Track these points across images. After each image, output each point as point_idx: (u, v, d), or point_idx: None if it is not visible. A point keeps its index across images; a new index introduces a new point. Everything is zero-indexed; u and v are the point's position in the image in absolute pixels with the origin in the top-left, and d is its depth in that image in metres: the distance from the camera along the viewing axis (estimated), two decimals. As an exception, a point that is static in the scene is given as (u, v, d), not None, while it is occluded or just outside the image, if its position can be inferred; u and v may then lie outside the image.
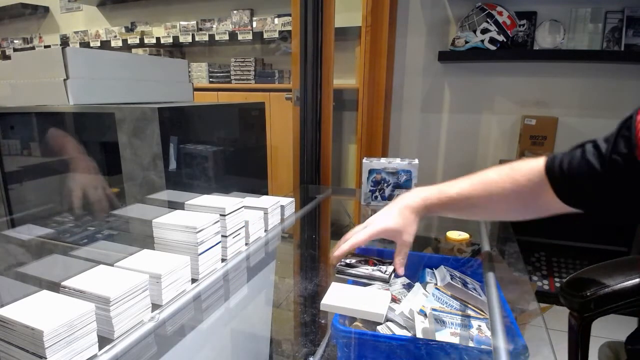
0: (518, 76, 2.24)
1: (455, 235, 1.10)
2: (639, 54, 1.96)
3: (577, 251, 2.12)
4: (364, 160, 1.37)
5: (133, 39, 3.28)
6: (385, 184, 1.36)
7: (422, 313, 0.75)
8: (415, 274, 0.99)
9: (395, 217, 0.79)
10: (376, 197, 1.38)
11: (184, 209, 0.87)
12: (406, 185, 1.36)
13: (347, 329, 0.67)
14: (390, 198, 1.37)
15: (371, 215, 0.85)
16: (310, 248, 1.19)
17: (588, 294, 0.85)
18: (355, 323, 0.78)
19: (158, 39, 3.18)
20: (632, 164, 0.54)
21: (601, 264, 0.93)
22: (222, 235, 0.84)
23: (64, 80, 1.08)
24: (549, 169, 0.66)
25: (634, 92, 2.05)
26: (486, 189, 0.73)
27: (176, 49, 3.32)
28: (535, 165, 0.68)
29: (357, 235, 0.79)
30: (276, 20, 2.83)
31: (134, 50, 3.36)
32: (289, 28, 2.70)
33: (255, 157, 1.53)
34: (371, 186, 1.37)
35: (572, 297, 0.88)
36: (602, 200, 0.61)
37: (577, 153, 0.66)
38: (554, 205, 0.65)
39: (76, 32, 3.63)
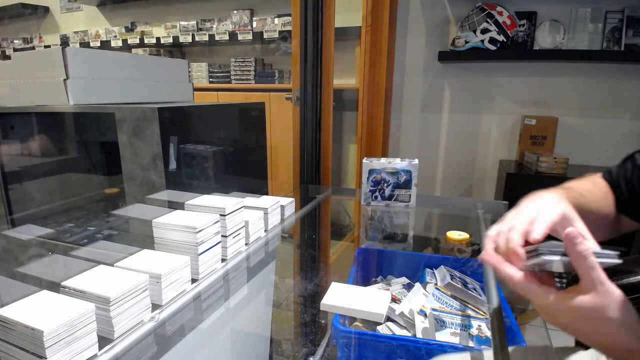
0: (518, 76, 2.24)
1: (455, 235, 1.10)
2: (639, 54, 1.96)
3: (577, 251, 2.12)
4: (364, 160, 1.37)
5: (133, 39, 3.28)
6: (385, 184, 1.36)
7: (422, 313, 0.75)
8: (415, 274, 1.00)
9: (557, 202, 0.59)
10: (376, 197, 1.38)
11: (184, 209, 0.87)
12: (406, 185, 1.36)
13: (347, 329, 0.67)
14: (390, 198, 1.37)
15: (371, 215, 0.85)
16: (310, 248, 1.19)
17: None
18: (355, 323, 0.78)
19: (158, 39, 3.18)
20: None
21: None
22: (222, 235, 0.84)
23: (64, 80, 1.08)
24: (610, 183, 0.63)
25: (634, 92, 2.05)
26: (593, 195, 0.64)
27: (176, 49, 3.32)
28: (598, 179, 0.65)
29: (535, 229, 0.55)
30: (276, 20, 2.83)
31: (134, 50, 3.36)
32: (289, 28, 2.70)
33: (255, 157, 1.53)
34: (371, 186, 1.37)
35: None
36: None
37: (629, 165, 0.62)
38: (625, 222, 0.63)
39: (76, 32, 3.63)
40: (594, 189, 0.65)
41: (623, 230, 0.65)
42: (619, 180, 0.63)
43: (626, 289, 0.72)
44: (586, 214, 0.60)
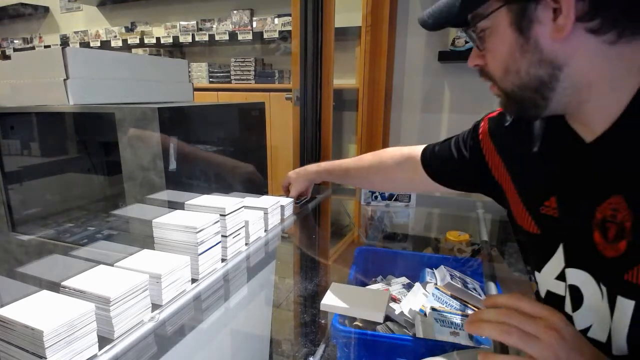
0: (518, 76, 2.24)
1: (455, 235, 1.10)
2: (639, 54, 1.96)
3: (577, 251, 2.12)
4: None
5: (133, 39, 3.28)
6: (385, 184, 1.36)
7: (422, 313, 0.75)
8: (415, 274, 1.00)
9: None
10: (376, 197, 1.38)
11: (184, 209, 0.87)
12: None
13: (347, 329, 0.67)
14: (390, 198, 1.37)
15: (371, 215, 0.88)
16: (310, 248, 1.19)
17: None
18: (355, 323, 0.78)
19: (158, 39, 3.18)
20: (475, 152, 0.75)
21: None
22: (222, 235, 0.84)
23: (64, 80, 1.08)
24: (424, 151, 0.89)
25: (634, 92, 2.05)
26: (360, 162, 1.03)
27: (176, 49, 3.32)
28: (403, 149, 0.94)
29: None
30: (276, 20, 2.84)
31: (134, 50, 3.36)
32: (289, 28, 2.70)
33: (255, 157, 1.53)
34: (371, 186, 1.37)
35: None
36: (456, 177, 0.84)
37: (446, 143, 0.84)
38: (421, 180, 0.88)
39: (76, 32, 3.63)
40: (370, 159, 1.02)
41: (419, 188, 0.96)
42: (433, 150, 0.87)
43: None
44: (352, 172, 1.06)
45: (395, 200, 1.37)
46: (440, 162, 0.84)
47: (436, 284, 0.90)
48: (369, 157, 1.01)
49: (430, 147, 0.87)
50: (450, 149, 0.80)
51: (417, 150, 0.90)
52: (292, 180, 1.18)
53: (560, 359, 0.42)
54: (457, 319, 0.75)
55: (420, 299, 0.83)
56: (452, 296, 0.86)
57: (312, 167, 1.16)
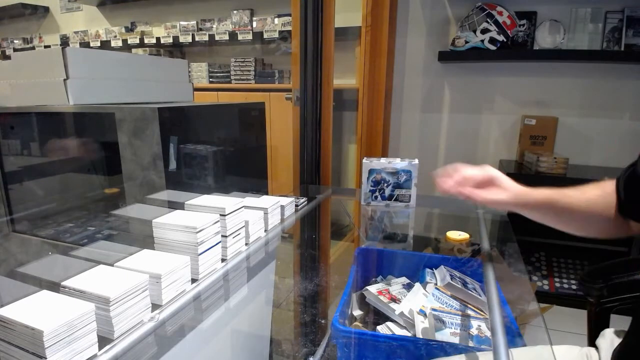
0: (518, 76, 2.24)
1: (455, 235, 1.10)
2: (639, 54, 1.96)
3: (577, 251, 2.13)
4: (364, 160, 1.37)
5: (133, 39, 3.28)
6: (385, 184, 1.36)
7: (422, 313, 0.75)
8: (415, 274, 0.99)
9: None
10: (376, 197, 1.38)
11: (184, 209, 0.87)
12: (406, 186, 1.36)
13: (347, 329, 0.67)
14: (390, 198, 1.37)
15: (371, 215, 0.86)
16: (310, 248, 1.19)
17: (602, 281, 0.94)
18: (355, 323, 0.78)
19: (158, 39, 3.18)
20: None
21: (621, 259, 1.01)
22: (222, 235, 0.84)
23: (64, 80, 1.08)
24: (617, 182, 0.68)
25: (634, 92, 2.05)
26: (585, 194, 0.73)
27: (176, 49, 3.32)
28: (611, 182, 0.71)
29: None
30: (276, 20, 2.83)
31: (134, 50, 3.35)
32: (289, 28, 2.70)
33: (255, 157, 1.53)
34: (371, 186, 1.37)
35: (589, 284, 0.96)
36: None
37: (629, 170, 0.66)
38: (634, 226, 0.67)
39: (76, 32, 3.63)
40: (595, 191, 0.72)
41: (634, 231, 0.69)
42: (619, 184, 0.67)
43: (618, 287, 0.79)
44: (565, 208, 0.73)
45: (396, 200, 1.37)
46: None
47: (436, 284, 0.90)
48: (589, 186, 0.74)
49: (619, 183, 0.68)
50: None
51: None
52: (504, 181, 0.81)
53: None
54: (457, 319, 0.75)
55: (420, 299, 0.83)
56: (452, 296, 0.86)
57: (522, 196, 0.78)
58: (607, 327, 0.94)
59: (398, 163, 1.34)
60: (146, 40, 3.23)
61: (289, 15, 2.61)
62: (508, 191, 0.79)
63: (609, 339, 0.79)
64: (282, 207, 1.13)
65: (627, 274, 0.93)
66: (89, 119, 1.29)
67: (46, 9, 3.84)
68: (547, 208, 0.76)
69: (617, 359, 0.68)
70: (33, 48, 3.89)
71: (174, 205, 0.92)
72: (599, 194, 0.71)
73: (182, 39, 3.09)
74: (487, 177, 0.85)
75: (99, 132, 1.29)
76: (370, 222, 1.39)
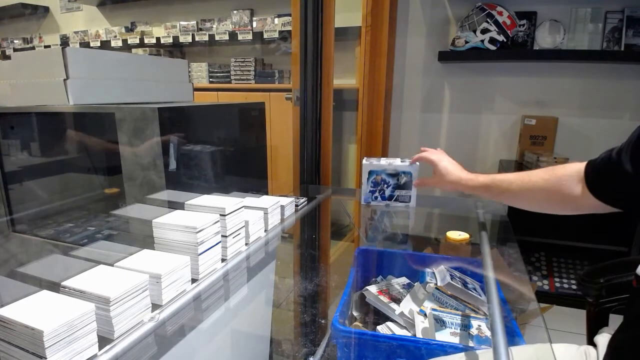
0: (518, 76, 2.24)
1: (455, 235, 1.10)
2: (639, 54, 1.96)
3: (577, 251, 2.13)
4: (364, 162, 1.36)
5: (133, 39, 3.28)
6: (386, 185, 1.36)
7: (422, 313, 0.75)
8: (415, 274, 1.00)
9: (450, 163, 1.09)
10: (376, 198, 1.38)
11: (184, 209, 0.87)
12: (406, 186, 1.35)
13: (347, 329, 0.67)
14: (390, 198, 1.37)
15: (371, 215, 0.87)
16: (310, 248, 1.19)
17: (602, 281, 0.95)
18: (355, 323, 0.78)
19: (158, 39, 3.18)
20: None
21: (620, 259, 1.02)
22: (222, 235, 0.84)
23: (64, 80, 1.08)
24: (587, 164, 0.74)
25: (634, 92, 2.05)
26: (527, 176, 0.83)
27: (176, 49, 3.32)
28: (575, 164, 0.77)
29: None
30: (276, 20, 2.83)
31: (134, 50, 3.35)
32: (289, 28, 2.70)
33: (255, 157, 1.53)
34: (371, 187, 1.36)
35: (588, 284, 0.97)
36: (631, 198, 0.67)
37: (613, 152, 0.72)
38: (588, 202, 0.72)
39: (76, 32, 3.63)
40: (540, 170, 0.83)
41: (582, 209, 0.75)
42: (596, 162, 0.73)
43: (617, 287, 0.81)
44: (505, 191, 0.87)
45: (396, 200, 1.36)
46: (609, 179, 0.70)
47: (436, 284, 0.90)
48: (536, 171, 0.84)
49: (592, 163, 0.74)
50: (620, 163, 0.69)
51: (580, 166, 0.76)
52: (440, 168, 1.09)
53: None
54: (457, 319, 0.75)
55: (420, 299, 0.83)
56: (452, 296, 0.86)
57: (467, 175, 1.03)
58: (606, 326, 0.95)
59: (398, 164, 1.33)
60: (146, 40, 3.23)
61: (289, 15, 2.61)
62: (442, 179, 1.06)
63: (607, 338, 0.79)
64: (282, 207, 1.13)
65: (626, 274, 0.94)
66: (89, 119, 1.29)
67: (46, 9, 3.84)
68: (491, 189, 0.91)
69: (612, 352, 0.69)
70: (33, 48, 3.89)
71: (174, 205, 0.92)
72: (547, 177, 0.79)
73: (182, 39, 3.09)
74: (429, 161, 1.13)
75: (99, 132, 1.29)
76: (370, 222, 1.39)
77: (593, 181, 0.71)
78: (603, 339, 0.79)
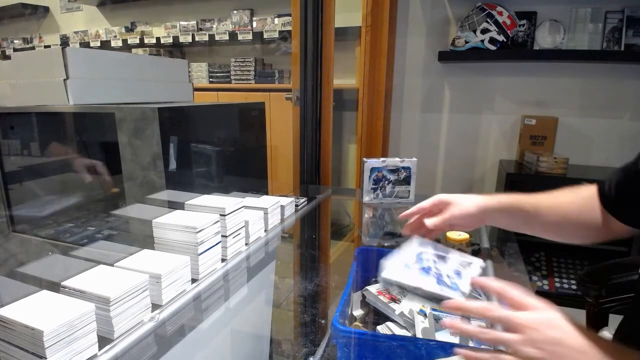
0: (518, 76, 2.24)
1: (455, 235, 1.10)
2: (639, 54, 1.95)
3: (577, 251, 2.13)
4: (364, 159, 1.38)
5: (133, 39, 3.28)
6: (386, 181, 1.38)
7: (422, 313, 0.75)
8: (415, 274, 0.99)
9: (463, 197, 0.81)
10: (377, 195, 1.39)
11: (184, 209, 0.87)
12: (406, 182, 1.37)
13: (347, 329, 0.67)
14: (390, 195, 1.38)
15: (372, 214, 0.85)
16: (310, 248, 1.19)
17: (601, 282, 0.95)
18: (355, 323, 0.78)
19: (158, 39, 3.18)
20: None
21: (619, 260, 1.02)
22: (222, 235, 0.84)
23: (64, 80, 1.08)
24: (600, 188, 0.67)
25: (634, 92, 2.05)
26: (555, 199, 0.72)
27: (176, 49, 3.32)
28: (591, 187, 0.70)
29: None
30: (276, 20, 2.83)
31: (134, 50, 3.35)
32: (289, 28, 2.70)
33: (255, 157, 1.53)
34: (372, 184, 1.38)
35: (588, 285, 0.98)
36: None
37: (624, 170, 0.64)
38: (615, 228, 0.65)
39: (76, 32, 3.63)
40: (568, 196, 0.71)
41: (613, 235, 0.67)
42: (611, 182, 0.65)
43: (617, 288, 0.79)
44: (531, 212, 0.72)
45: (395, 197, 1.38)
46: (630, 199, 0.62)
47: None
48: (563, 193, 0.73)
49: (606, 192, 0.66)
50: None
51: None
52: (455, 213, 0.79)
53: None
54: (457, 319, 0.75)
55: (420, 299, 0.83)
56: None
57: (483, 201, 0.79)
58: (606, 326, 0.95)
59: (397, 163, 1.36)
60: (146, 40, 3.23)
61: (289, 15, 2.61)
62: (464, 205, 0.78)
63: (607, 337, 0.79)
64: (282, 207, 1.13)
65: (625, 274, 0.94)
66: (89, 119, 1.29)
67: (46, 9, 3.84)
68: (514, 213, 0.75)
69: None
70: (33, 48, 3.89)
71: (174, 205, 0.92)
72: (572, 199, 0.70)
73: (182, 39, 3.09)
74: (436, 202, 0.84)
75: (99, 132, 1.29)
76: (370, 221, 1.39)
77: (617, 207, 0.64)
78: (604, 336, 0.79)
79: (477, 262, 0.74)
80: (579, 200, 0.69)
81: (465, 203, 0.78)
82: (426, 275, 0.65)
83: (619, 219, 0.64)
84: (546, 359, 0.44)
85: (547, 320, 0.47)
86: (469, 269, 0.71)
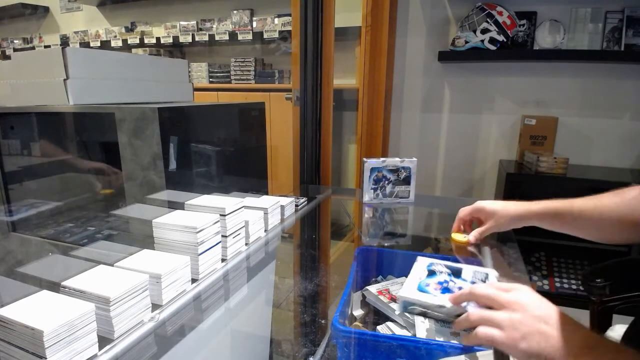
0: (518, 76, 2.24)
1: (460, 237, 1.10)
2: (639, 54, 1.95)
3: (577, 251, 2.12)
4: (364, 159, 1.38)
5: (133, 39, 3.28)
6: (386, 181, 1.38)
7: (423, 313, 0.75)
8: (415, 274, 0.99)
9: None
10: (377, 195, 1.39)
11: (184, 209, 0.87)
12: (406, 182, 1.37)
13: (347, 329, 0.67)
14: (390, 195, 1.39)
15: (372, 214, 0.85)
16: (310, 248, 1.19)
17: (605, 280, 0.95)
18: (355, 323, 0.78)
19: (158, 39, 3.18)
20: None
21: (626, 258, 1.01)
22: (222, 235, 0.84)
23: (64, 80, 1.08)
24: None
25: (634, 92, 2.05)
26: (597, 200, 0.74)
27: (176, 49, 3.32)
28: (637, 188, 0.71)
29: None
30: (276, 20, 2.83)
31: (134, 50, 3.36)
32: (289, 28, 2.70)
33: (255, 157, 1.53)
34: (372, 184, 1.38)
35: (591, 283, 0.98)
36: None
37: None
38: None
39: (76, 32, 3.63)
40: (611, 198, 0.73)
41: None
42: None
43: (620, 286, 0.78)
44: (578, 216, 0.75)
45: (395, 197, 1.39)
46: None
47: (436, 284, 0.90)
48: (605, 194, 0.75)
49: None
50: None
51: None
52: (490, 219, 0.91)
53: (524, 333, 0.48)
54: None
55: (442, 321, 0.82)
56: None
57: (524, 212, 0.84)
58: (610, 326, 0.95)
59: (397, 163, 1.37)
60: (146, 40, 3.23)
61: (289, 15, 2.61)
62: (502, 219, 0.87)
63: (617, 334, 0.79)
64: (282, 207, 1.13)
65: (630, 272, 0.94)
66: (89, 119, 1.29)
67: (46, 9, 3.84)
68: (554, 222, 0.79)
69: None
70: (33, 48, 3.89)
71: (174, 205, 0.92)
72: (618, 201, 0.71)
73: (182, 39, 3.09)
74: (475, 211, 0.94)
75: (99, 132, 1.29)
76: (370, 221, 1.39)
77: None
78: (612, 334, 0.79)
79: (493, 273, 0.74)
80: (624, 201, 0.71)
81: (504, 215, 0.87)
82: (448, 293, 0.65)
83: None
84: (529, 332, 0.49)
85: (529, 298, 0.53)
86: (488, 281, 0.71)
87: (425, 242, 1.32)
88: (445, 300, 0.65)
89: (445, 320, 0.63)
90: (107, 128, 1.05)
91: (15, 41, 4.04)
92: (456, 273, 0.73)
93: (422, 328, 0.70)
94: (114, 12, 3.55)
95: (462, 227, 1.00)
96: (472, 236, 0.93)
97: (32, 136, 1.30)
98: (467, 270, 0.75)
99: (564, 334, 0.48)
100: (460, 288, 0.66)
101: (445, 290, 0.66)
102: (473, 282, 0.70)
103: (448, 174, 2.47)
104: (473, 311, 0.56)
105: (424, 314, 0.62)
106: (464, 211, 0.97)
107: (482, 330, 0.52)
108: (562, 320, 0.49)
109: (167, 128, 1.00)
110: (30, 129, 1.30)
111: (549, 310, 0.51)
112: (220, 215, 0.82)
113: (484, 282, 0.71)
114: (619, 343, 0.47)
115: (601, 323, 0.96)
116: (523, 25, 2.11)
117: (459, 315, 0.58)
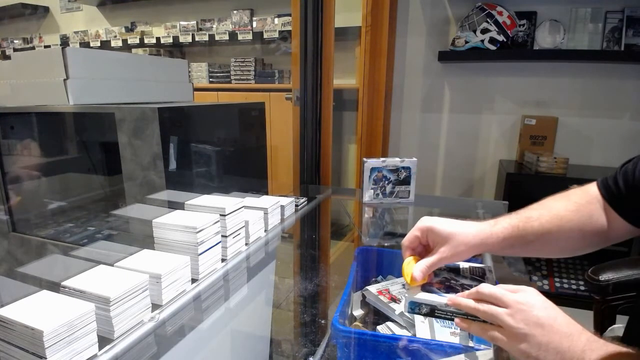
0: (518, 76, 2.24)
1: (409, 270, 1.10)
2: (639, 53, 1.95)
3: (577, 251, 2.12)
4: (364, 159, 1.38)
5: (133, 39, 3.28)
6: (387, 181, 1.38)
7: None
8: (415, 274, 0.99)
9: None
10: (377, 195, 1.39)
11: (184, 209, 0.87)
12: (406, 182, 1.37)
13: (347, 329, 0.67)
14: (390, 195, 1.39)
15: (372, 214, 0.84)
16: (310, 248, 1.19)
17: (607, 278, 0.95)
18: (355, 323, 0.78)
19: (158, 39, 3.18)
20: None
21: (627, 258, 1.01)
22: (222, 235, 0.84)
23: (64, 80, 1.08)
24: (603, 186, 0.66)
25: (634, 92, 2.05)
26: (550, 211, 0.66)
27: (176, 49, 3.32)
28: (586, 188, 0.67)
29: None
30: (276, 20, 2.83)
31: (134, 50, 3.35)
32: (289, 28, 2.70)
33: (255, 157, 1.53)
34: (372, 184, 1.38)
35: (594, 282, 0.97)
36: None
37: (630, 167, 0.62)
38: (619, 230, 0.65)
39: (76, 32, 3.63)
40: (562, 204, 0.67)
41: (614, 239, 0.67)
42: (616, 178, 0.64)
43: (623, 285, 0.78)
44: (537, 233, 0.66)
45: (395, 197, 1.39)
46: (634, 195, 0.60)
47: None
48: (558, 203, 0.68)
49: (608, 180, 0.65)
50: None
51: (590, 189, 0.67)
52: (444, 245, 0.66)
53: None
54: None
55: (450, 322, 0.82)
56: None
57: (481, 231, 0.67)
58: (614, 325, 0.95)
59: (397, 163, 1.37)
60: (146, 40, 3.23)
61: (289, 15, 2.61)
62: (458, 248, 0.65)
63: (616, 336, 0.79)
64: (282, 207, 1.13)
65: (633, 271, 0.94)
66: (89, 119, 1.29)
67: (46, 9, 3.84)
68: (516, 246, 0.68)
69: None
70: (33, 48, 3.89)
71: (174, 205, 0.92)
72: (574, 209, 0.66)
73: (182, 39, 3.09)
74: (421, 231, 0.71)
75: (98, 132, 1.29)
76: (370, 221, 1.39)
77: (621, 206, 0.62)
78: (612, 334, 0.79)
79: (488, 268, 0.73)
80: (579, 208, 0.66)
81: (463, 241, 0.66)
82: (452, 292, 0.64)
83: (623, 215, 0.63)
84: (531, 334, 0.49)
85: (534, 300, 0.52)
86: (486, 277, 0.71)
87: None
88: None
89: (449, 319, 0.63)
90: (107, 128, 1.05)
91: (15, 41, 4.04)
92: (454, 271, 0.73)
93: (422, 328, 0.70)
94: (114, 12, 3.54)
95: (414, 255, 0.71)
96: (419, 270, 0.63)
97: (32, 136, 1.30)
98: (464, 267, 0.75)
99: (567, 337, 0.48)
100: (462, 285, 0.66)
101: (449, 288, 0.66)
102: (472, 279, 0.70)
103: (448, 174, 2.47)
104: (484, 289, 0.55)
105: (431, 314, 0.61)
106: (408, 239, 0.73)
107: (485, 326, 0.53)
108: (565, 323, 0.49)
109: (167, 128, 1.00)
110: (30, 129, 1.30)
111: (553, 313, 0.51)
112: (220, 215, 0.82)
113: (481, 277, 0.71)
114: (622, 345, 0.47)
115: (605, 323, 0.96)
116: (523, 25, 2.11)
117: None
